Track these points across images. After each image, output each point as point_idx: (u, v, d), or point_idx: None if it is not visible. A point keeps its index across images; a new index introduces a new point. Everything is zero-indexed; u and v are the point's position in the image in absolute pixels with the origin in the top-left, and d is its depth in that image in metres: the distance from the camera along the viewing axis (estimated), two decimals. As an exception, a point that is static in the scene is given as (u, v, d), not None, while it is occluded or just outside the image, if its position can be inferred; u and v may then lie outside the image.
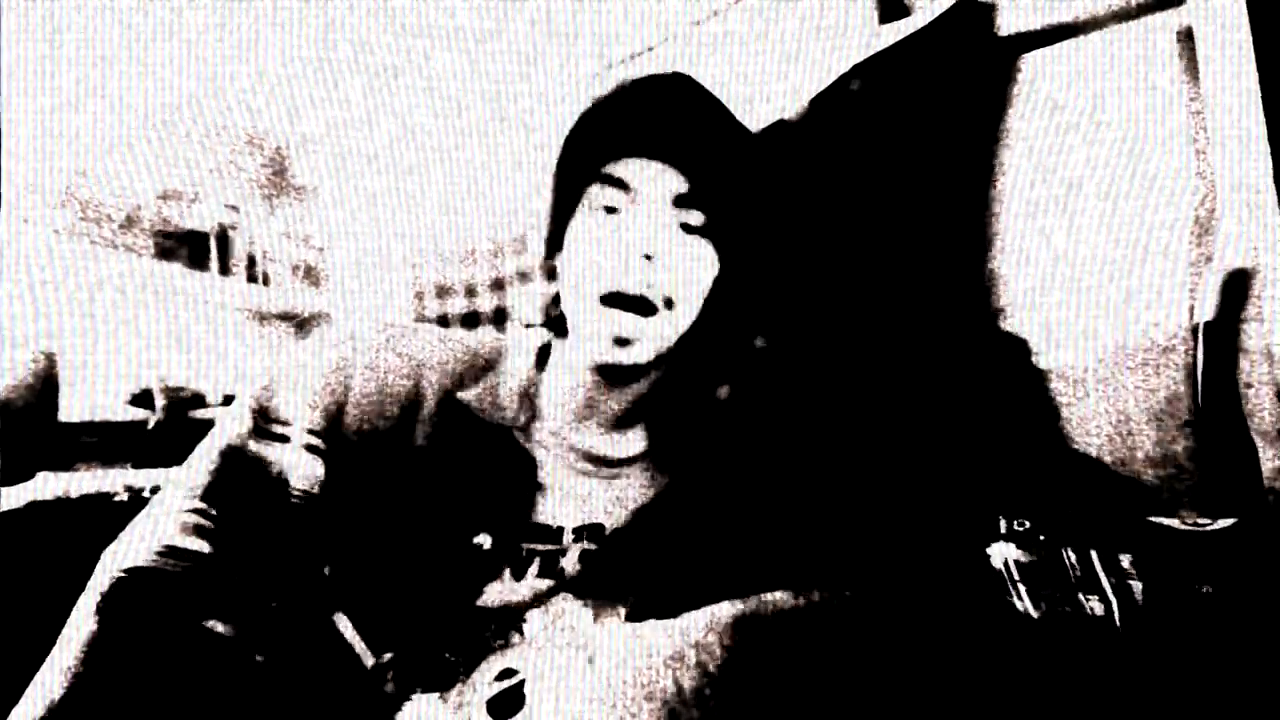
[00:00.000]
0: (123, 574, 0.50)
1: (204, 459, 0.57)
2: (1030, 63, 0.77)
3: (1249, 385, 0.54)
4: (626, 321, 0.54)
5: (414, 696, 0.50)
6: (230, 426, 0.58)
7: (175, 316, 1.68)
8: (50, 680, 0.46)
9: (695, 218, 0.55)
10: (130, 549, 0.52)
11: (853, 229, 0.78)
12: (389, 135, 1.70)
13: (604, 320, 0.54)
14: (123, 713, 0.46)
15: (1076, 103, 0.73)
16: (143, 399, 1.41)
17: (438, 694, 0.50)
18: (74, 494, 0.73)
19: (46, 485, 0.72)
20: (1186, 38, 0.68)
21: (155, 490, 0.75)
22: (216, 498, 0.54)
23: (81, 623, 0.48)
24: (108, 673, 0.47)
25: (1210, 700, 0.52)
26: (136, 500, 0.87)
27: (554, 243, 0.60)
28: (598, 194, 0.55)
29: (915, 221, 0.76)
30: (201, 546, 0.52)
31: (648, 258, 0.53)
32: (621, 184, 0.55)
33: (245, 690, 0.50)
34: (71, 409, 1.14)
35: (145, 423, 1.35)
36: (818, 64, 0.93)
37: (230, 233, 1.71)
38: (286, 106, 1.55)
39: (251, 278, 1.84)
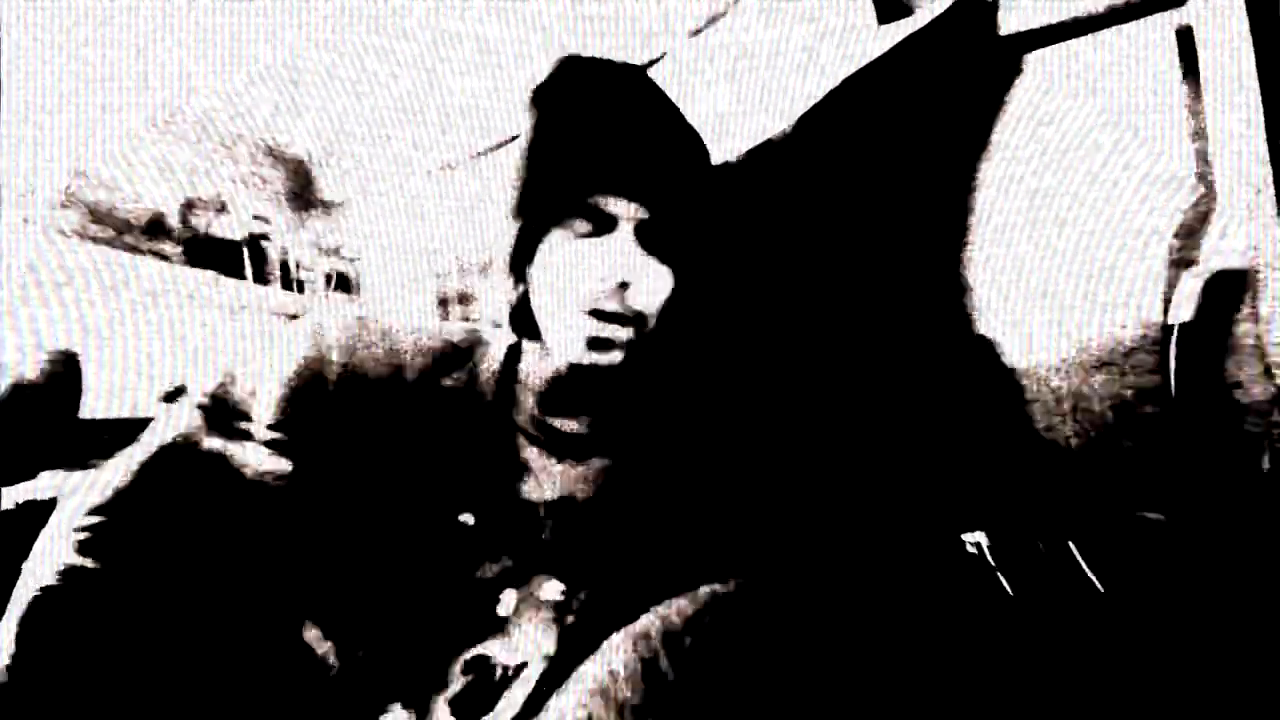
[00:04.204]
0: (38, 592, 0.48)
1: (127, 461, 0.54)
2: (1031, 62, 0.76)
3: (1238, 384, 0.53)
4: (604, 328, 0.56)
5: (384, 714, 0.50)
6: (174, 423, 0.56)
7: (209, 320, 1.75)
8: None
9: (658, 243, 0.57)
10: (40, 566, 0.49)
11: (841, 232, 0.78)
12: (409, 152, 1.75)
13: (581, 326, 0.56)
14: None
15: (1075, 102, 0.72)
16: (176, 397, 1.46)
17: (401, 704, 0.50)
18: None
19: (50, 483, 0.73)
20: (1186, 37, 0.66)
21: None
22: (129, 504, 0.52)
23: (3, 644, 0.47)
24: (34, 696, 0.45)
25: (1206, 696, 0.51)
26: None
27: (523, 253, 0.60)
28: (576, 222, 0.56)
29: (905, 225, 0.76)
30: (89, 563, 0.49)
31: (624, 285, 0.56)
32: (599, 215, 0.56)
33: (182, 706, 0.48)
34: (98, 407, 1.18)
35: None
36: (817, 68, 0.93)
37: (263, 243, 1.78)
38: (307, 119, 1.61)
39: (286, 285, 1.91)
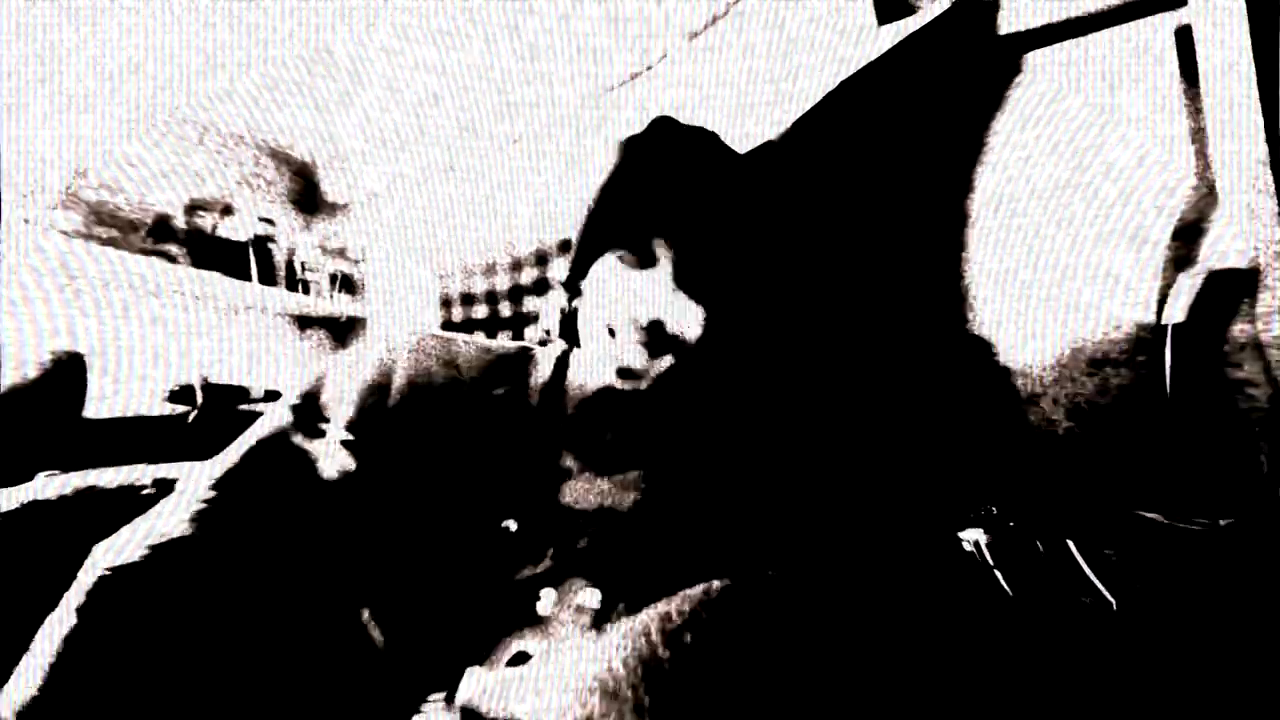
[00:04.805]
0: (108, 572, 0.49)
1: (237, 450, 0.58)
2: (1030, 62, 0.76)
3: (1235, 384, 0.52)
4: (633, 354, 0.59)
5: (424, 706, 0.51)
6: (275, 417, 0.60)
7: (216, 320, 1.76)
8: (29, 676, 0.45)
9: (695, 284, 0.60)
10: (128, 543, 0.51)
11: (840, 233, 0.78)
12: (413, 156, 1.76)
13: (614, 354, 0.60)
14: (103, 712, 0.45)
15: (1074, 102, 0.71)
16: (183, 395, 1.47)
17: (444, 694, 0.51)
18: (87, 490, 0.74)
19: (52, 483, 0.73)
20: (1186, 37, 0.66)
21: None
22: (238, 486, 0.55)
23: (62, 618, 0.48)
24: (86, 671, 0.46)
25: (1203, 695, 0.50)
26: (166, 492, 0.90)
27: (580, 269, 0.66)
28: (626, 252, 0.61)
29: (904, 225, 0.75)
30: (187, 530, 0.51)
31: (659, 323, 0.59)
32: (646, 254, 0.60)
33: (232, 689, 0.49)
34: (102, 406, 1.18)
35: (184, 417, 1.40)
36: (817, 69, 0.92)
37: (269, 244, 1.79)
38: (311, 123, 1.61)
39: (291, 286, 1.92)
